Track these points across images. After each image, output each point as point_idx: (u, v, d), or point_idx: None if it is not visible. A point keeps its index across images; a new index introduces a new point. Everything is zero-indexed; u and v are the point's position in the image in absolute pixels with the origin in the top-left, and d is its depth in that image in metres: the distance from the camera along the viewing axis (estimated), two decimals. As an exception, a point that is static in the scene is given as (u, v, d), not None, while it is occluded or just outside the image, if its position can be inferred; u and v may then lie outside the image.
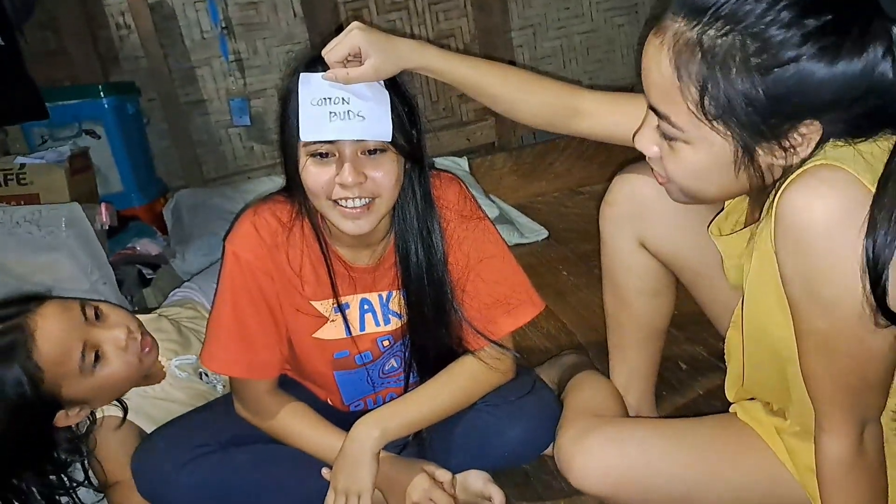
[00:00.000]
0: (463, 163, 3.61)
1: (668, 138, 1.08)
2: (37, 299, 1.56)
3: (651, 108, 1.08)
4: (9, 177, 2.52)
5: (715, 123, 1.00)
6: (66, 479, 1.58)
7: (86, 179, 2.78)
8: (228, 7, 3.52)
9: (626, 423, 1.42)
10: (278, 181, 2.94)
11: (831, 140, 0.99)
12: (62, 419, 1.55)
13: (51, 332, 1.48)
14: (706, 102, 0.99)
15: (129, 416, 1.62)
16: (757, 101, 0.96)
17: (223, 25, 3.50)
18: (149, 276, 2.67)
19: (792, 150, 1.00)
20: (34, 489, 1.53)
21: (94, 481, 1.59)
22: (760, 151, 1.02)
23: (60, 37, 3.37)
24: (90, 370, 1.52)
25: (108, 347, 1.55)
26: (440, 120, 3.85)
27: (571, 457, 1.34)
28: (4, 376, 1.44)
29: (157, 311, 2.01)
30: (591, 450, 1.33)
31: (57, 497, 1.56)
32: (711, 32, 0.96)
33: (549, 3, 3.84)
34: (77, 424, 1.60)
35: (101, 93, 3.11)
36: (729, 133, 1.01)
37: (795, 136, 0.99)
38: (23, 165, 2.52)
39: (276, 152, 3.64)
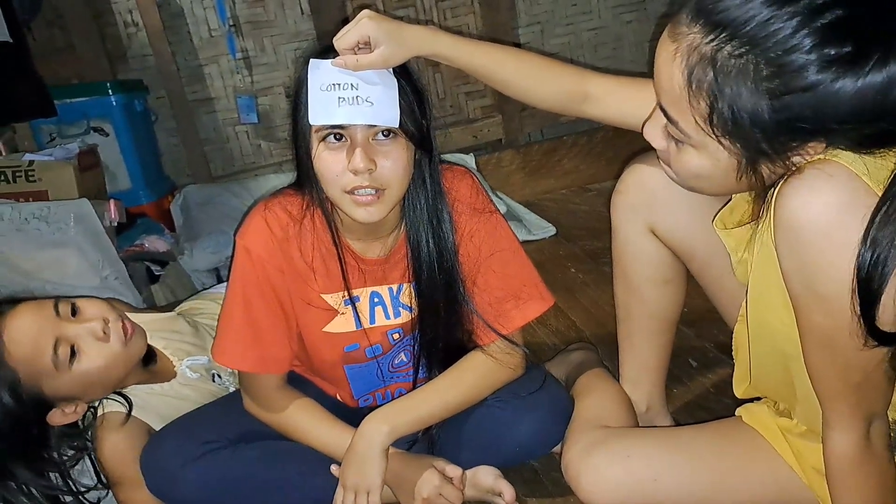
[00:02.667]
0: (470, 160, 3.60)
1: (674, 139, 1.09)
2: (10, 302, 1.55)
3: (661, 108, 1.08)
4: (17, 173, 2.52)
5: (721, 139, 1.00)
6: (69, 479, 1.57)
7: (94, 176, 2.78)
8: (236, 5, 3.52)
9: (633, 437, 1.41)
10: (285, 178, 2.94)
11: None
12: (57, 417, 1.54)
13: (19, 332, 1.47)
14: (714, 118, 0.98)
15: (136, 413, 1.61)
16: (764, 123, 0.95)
17: (231, 23, 3.50)
18: (157, 273, 2.68)
19: (793, 164, 1.00)
20: (34, 490, 1.51)
21: (103, 478, 1.58)
22: (763, 165, 1.01)
23: (68, 34, 3.37)
24: (66, 366, 1.50)
25: (85, 341, 1.53)
26: (447, 117, 3.84)
27: (579, 473, 1.35)
28: None
29: (191, 299, 2.02)
30: (598, 466, 1.33)
31: (59, 497, 1.56)
32: (727, 50, 0.94)
33: (556, -1, 3.84)
34: (82, 420, 1.59)
35: (110, 90, 3.11)
36: (733, 149, 1.00)
37: (800, 153, 0.98)
38: (31, 162, 2.53)
39: (283, 150, 3.66)
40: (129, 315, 1.66)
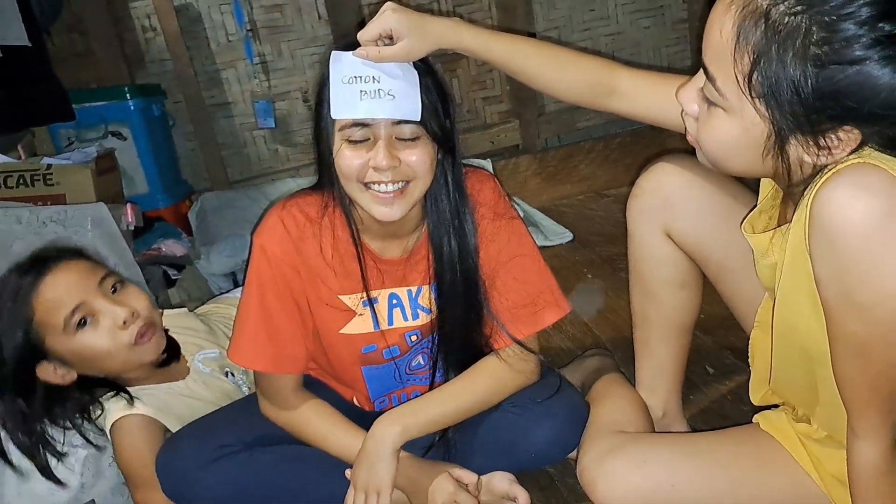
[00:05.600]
0: (487, 165, 3.60)
1: (708, 102, 1.07)
2: (76, 253, 1.63)
3: (703, 65, 1.06)
4: (35, 177, 2.53)
5: (757, 101, 0.98)
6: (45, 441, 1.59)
7: (112, 180, 2.79)
8: (253, 10, 3.54)
9: (650, 443, 1.40)
10: (302, 183, 2.94)
11: (869, 146, 0.97)
12: (47, 371, 1.56)
13: (56, 281, 1.53)
14: (754, 77, 0.97)
15: (155, 415, 1.61)
16: (804, 91, 0.93)
17: (248, 28, 3.52)
18: (174, 277, 2.69)
19: (826, 151, 0.98)
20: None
21: (94, 443, 1.62)
22: (793, 142, 0.99)
23: (87, 39, 3.41)
24: (73, 330, 1.53)
25: (103, 318, 1.55)
26: (464, 123, 3.85)
27: (595, 478, 1.33)
28: (14, 308, 1.52)
29: (208, 304, 2.04)
30: (614, 472, 1.32)
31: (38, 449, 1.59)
32: (782, 8, 0.93)
33: (574, 4, 3.84)
34: (88, 414, 1.61)
35: (128, 95, 3.14)
36: (767, 115, 0.99)
37: (832, 137, 0.96)
38: (49, 166, 2.54)
39: (300, 154, 3.66)
40: None
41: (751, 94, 0.98)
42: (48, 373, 1.56)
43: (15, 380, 1.54)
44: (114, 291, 1.59)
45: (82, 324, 1.54)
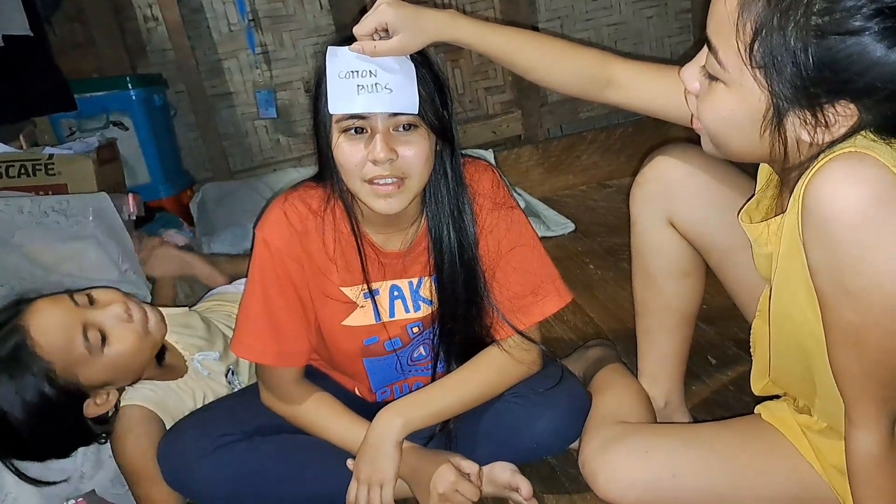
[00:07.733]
0: (489, 156, 3.59)
1: (710, 77, 1.07)
2: (26, 301, 1.54)
3: (706, 38, 1.06)
4: (37, 167, 2.53)
5: (757, 72, 0.98)
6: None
7: (113, 170, 2.79)
8: (255, -1, 3.53)
9: (652, 433, 1.40)
10: (304, 172, 2.93)
11: (864, 131, 0.97)
12: (92, 408, 1.54)
13: (45, 324, 1.47)
14: (755, 47, 0.97)
15: (153, 408, 1.61)
16: (803, 63, 0.93)
17: (250, 18, 3.52)
18: (175, 267, 2.68)
19: (823, 128, 0.98)
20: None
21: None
22: (791, 118, 1.00)
23: (88, 29, 3.40)
24: (99, 350, 1.51)
25: (110, 324, 1.53)
26: (466, 113, 3.84)
27: (597, 469, 1.33)
28: (22, 383, 1.44)
29: (208, 299, 2.03)
30: (616, 462, 1.32)
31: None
32: None
33: (576, -6, 3.83)
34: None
35: (129, 85, 3.14)
36: (766, 87, 0.99)
37: (829, 113, 0.96)
38: (51, 156, 2.53)
39: (302, 144, 3.66)
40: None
41: (751, 65, 0.98)
42: (93, 408, 1.55)
43: (70, 437, 1.55)
44: (90, 302, 1.56)
45: (102, 341, 1.52)
